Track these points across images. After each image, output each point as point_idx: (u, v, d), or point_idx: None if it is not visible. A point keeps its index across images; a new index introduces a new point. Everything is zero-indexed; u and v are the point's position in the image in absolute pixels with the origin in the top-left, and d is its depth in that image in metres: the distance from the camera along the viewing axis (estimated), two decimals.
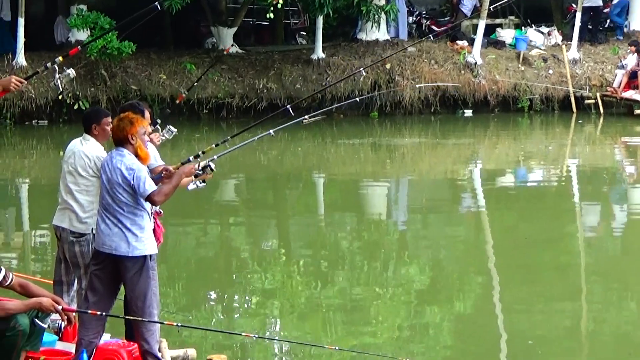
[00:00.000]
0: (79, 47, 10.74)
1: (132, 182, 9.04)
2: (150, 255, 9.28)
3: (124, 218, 9.15)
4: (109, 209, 9.18)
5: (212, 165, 9.72)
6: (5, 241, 17.12)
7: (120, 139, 9.23)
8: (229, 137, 11.28)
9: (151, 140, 10.06)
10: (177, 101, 14.36)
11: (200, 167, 9.59)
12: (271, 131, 10.96)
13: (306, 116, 11.81)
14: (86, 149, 10.01)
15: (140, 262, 9.22)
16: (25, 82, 9.48)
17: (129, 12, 10.20)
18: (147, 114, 10.13)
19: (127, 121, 9.25)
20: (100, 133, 10.13)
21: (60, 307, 8.96)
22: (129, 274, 9.24)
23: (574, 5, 33.31)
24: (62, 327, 9.82)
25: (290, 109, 11.21)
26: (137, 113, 9.85)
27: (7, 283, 9.05)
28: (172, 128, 10.78)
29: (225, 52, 14.27)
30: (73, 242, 9.99)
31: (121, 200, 9.13)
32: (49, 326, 9.15)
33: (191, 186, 9.67)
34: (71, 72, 9.75)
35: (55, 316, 9.51)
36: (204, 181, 9.70)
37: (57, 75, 9.63)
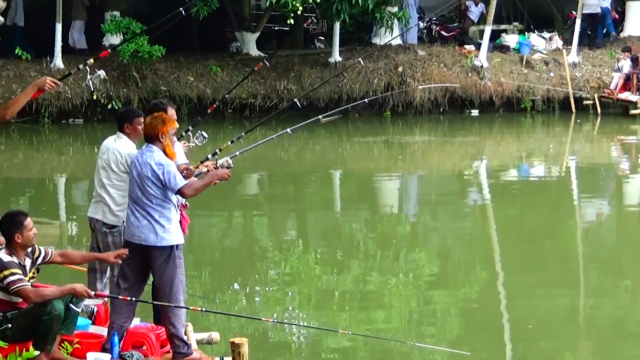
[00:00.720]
0: (109, 50, 10.74)
1: (161, 177, 9.05)
2: (177, 245, 9.29)
3: (152, 210, 9.15)
4: (139, 202, 9.19)
5: (230, 161, 9.70)
6: (44, 232, 17.13)
7: (151, 136, 9.23)
8: (242, 134, 11.26)
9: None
10: (209, 111, 14.37)
11: (221, 165, 9.58)
12: (289, 129, 10.94)
13: (320, 116, 11.79)
14: (119, 147, 10.02)
15: (168, 251, 9.22)
16: (60, 83, 9.47)
17: (159, 18, 10.22)
18: (171, 111, 10.10)
19: (160, 120, 9.26)
20: (132, 132, 10.13)
21: (93, 293, 9.00)
22: (157, 263, 9.25)
23: (574, 12, 33.21)
24: (95, 311, 9.83)
25: (297, 102, 11.17)
26: (160, 110, 9.87)
27: (49, 258, 9.15)
28: (203, 133, 10.70)
29: (256, 68, 14.24)
30: (106, 233, 10.01)
31: (150, 193, 9.13)
32: (82, 310, 9.15)
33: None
34: (102, 73, 9.74)
35: (88, 301, 9.54)
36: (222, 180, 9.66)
37: (89, 76, 9.62)
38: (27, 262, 8.90)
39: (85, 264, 10.16)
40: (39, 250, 9.05)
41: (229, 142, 10.55)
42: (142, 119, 10.10)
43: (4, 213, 9.16)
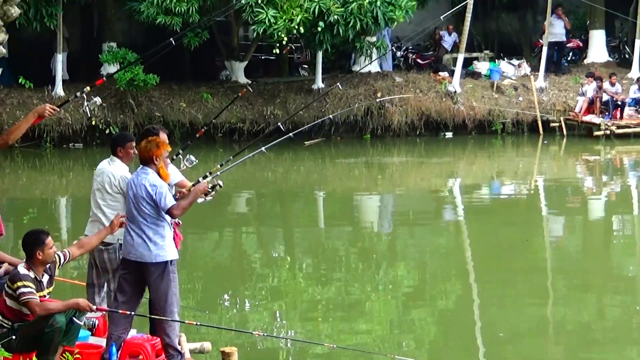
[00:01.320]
0: (104, 78, 10.80)
1: (154, 197, 9.10)
2: (171, 261, 9.32)
3: (147, 229, 9.19)
4: (134, 221, 9.22)
5: (221, 183, 9.72)
6: None
7: (146, 159, 9.28)
8: (231, 157, 11.26)
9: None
10: (197, 135, 14.38)
11: (210, 187, 9.59)
12: (263, 148, 10.92)
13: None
14: (113, 169, 10.03)
15: (162, 266, 9.25)
16: (58, 110, 9.52)
17: (149, 46, 10.30)
18: (163, 135, 10.13)
19: (154, 144, 9.30)
20: (125, 155, 10.15)
21: (95, 307, 9.02)
22: (152, 277, 9.28)
23: (541, 41, 33.37)
24: (95, 324, 9.83)
25: (281, 125, 11.18)
26: (153, 135, 9.91)
27: (69, 258, 9.21)
28: (192, 158, 10.70)
29: (240, 94, 14.33)
30: (102, 250, 10.00)
31: (145, 212, 9.17)
32: (84, 323, 9.16)
33: (200, 200, 9.65)
34: (98, 99, 9.78)
35: (90, 314, 9.54)
36: (206, 194, 9.65)
37: (86, 103, 9.65)
38: (45, 278, 8.92)
39: (94, 249, 10.06)
40: (58, 256, 9.09)
41: (219, 165, 10.56)
42: (133, 143, 10.15)
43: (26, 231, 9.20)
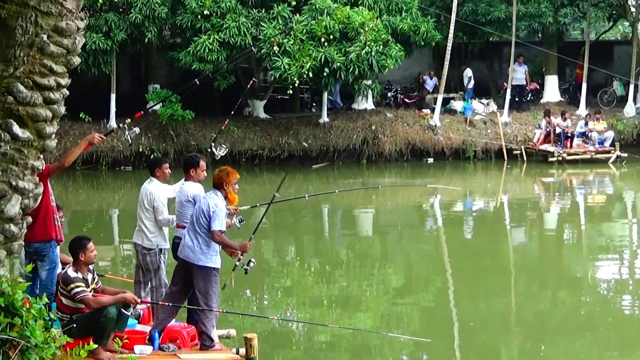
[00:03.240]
0: (141, 112, 10.69)
1: (210, 215, 9.14)
2: (214, 268, 9.32)
3: (199, 237, 9.24)
4: (193, 228, 9.29)
5: (252, 263, 9.61)
6: (102, 254, 17.10)
7: (217, 184, 9.36)
8: (269, 203, 10.83)
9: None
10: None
11: (243, 263, 9.51)
12: (306, 195, 10.96)
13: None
14: (150, 188, 10.07)
15: (204, 270, 9.29)
16: (105, 138, 9.51)
17: (189, 89, 10.34)
18: (202, 162, 10.14)
19: (225, 173, 9.38)
20: (161, 175, 10.18)
21: (139, 300, 9.01)
22: (195, 277, 9.31)
23: (505, 84, 33.39)
24: (141, 314, 9.83)
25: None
26: (195, 163, 9.93)
27: (97, 286, 9.10)
28: (223, 146, 10.47)
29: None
30: (145, 254, 10.02)
31: (201, 224, 9.22)
32: (131, 314, 9.14)
33: (233, 256, 9.54)
34: (137, 129, 9.77)
35: (138, 306, 9.54)
36: (239, 255, 9.54)
37: (127, 132, 9.64)
38: (89, 276, 8.94)
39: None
40: (96, 275, 9.11)
41: (257, 204, 10.31)
42: (167, 164, 10.21)
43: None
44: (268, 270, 15.87)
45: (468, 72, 34.06)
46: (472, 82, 33.90)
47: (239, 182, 9.58)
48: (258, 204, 10.19)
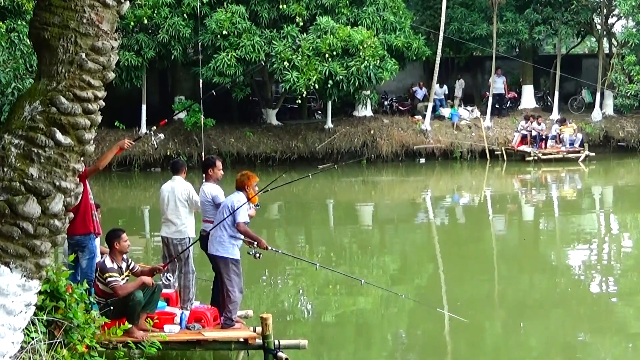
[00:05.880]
0: (165, 120, 10.58)
1: (235, 209, 9.19)
2: (234, 259, 9.35)
3: (224, 232, 9.29)
4: (220, 224, 9.29)
5: (259, 255, 9.40)
6: (135, 243, 17.12)
7: (239, 187, 9.46)
8: (268, 186, 10.94)
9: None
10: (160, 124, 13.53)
11: (257, 253, 9.38)
12: (310, 175, 11.02)
13: (319, 166, 11.75)
14: (175, 185, 10.07)
15: (224, 261, 9.35)
16: (134, 143, 9.50)
17: (211, 98, 10.34)
18: (219, 162, 10.12)
19: (246, 177, 9.48)
20: (184, 173, 10.23)
21: (159, 283, 9.08)
22: (218, 267, 9.43)
23: (487, 93, 33.38)
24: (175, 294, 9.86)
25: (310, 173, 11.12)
26: (211, 163, 9.92)
27: (135, 270, 9.13)
28: (161, 136, 9.94)
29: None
30: (176, 245, 10.00)
31: (226, 220, 9.24)
32: (165, 285, 9.29)
33: (250, 247, 9.41)
34: (161, 135, 9.68)
35: (165, 290, 9.57)
36: (258, 249, 9.52)
37: (153, 138, 9.62)
38: (123, 264, 8.97)
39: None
40: (131, 261, 9.11)
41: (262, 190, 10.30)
42: (185, 167, 10.25)
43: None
44: (280, 257, 15.83)
45: (462, 83, 34.46)
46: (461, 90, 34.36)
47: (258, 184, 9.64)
48: (269, 189, 10.11)
